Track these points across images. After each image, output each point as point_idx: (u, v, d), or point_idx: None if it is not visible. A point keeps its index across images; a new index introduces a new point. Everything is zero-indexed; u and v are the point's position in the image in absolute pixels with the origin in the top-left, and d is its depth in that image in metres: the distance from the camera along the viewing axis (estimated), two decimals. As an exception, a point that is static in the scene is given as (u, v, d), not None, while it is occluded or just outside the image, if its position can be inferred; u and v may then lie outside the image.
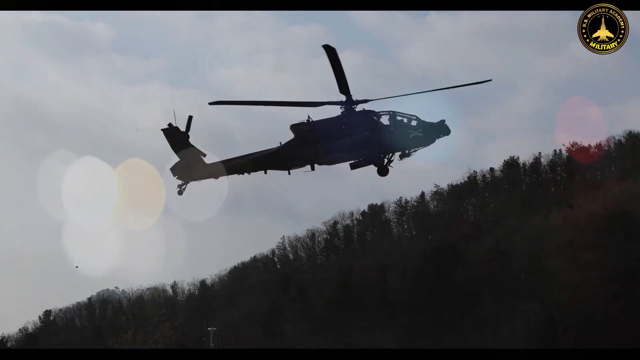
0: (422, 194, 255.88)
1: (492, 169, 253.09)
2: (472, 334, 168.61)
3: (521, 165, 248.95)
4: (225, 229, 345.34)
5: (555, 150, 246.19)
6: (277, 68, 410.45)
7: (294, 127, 54.00)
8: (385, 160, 54.24)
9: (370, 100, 53.25)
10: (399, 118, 53.03)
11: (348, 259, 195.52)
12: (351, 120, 52.92)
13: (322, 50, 50.18)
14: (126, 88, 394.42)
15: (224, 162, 58.85)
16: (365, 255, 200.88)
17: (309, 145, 53.61)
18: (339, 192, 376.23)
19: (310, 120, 53.71)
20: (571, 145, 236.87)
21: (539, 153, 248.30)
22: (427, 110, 53.66)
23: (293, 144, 54.48)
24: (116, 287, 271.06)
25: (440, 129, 53.13)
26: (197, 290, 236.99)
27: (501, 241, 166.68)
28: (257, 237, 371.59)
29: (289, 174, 57.41)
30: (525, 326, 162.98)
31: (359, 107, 53.71)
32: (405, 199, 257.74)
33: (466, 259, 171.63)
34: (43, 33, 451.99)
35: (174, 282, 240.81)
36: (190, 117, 57.30)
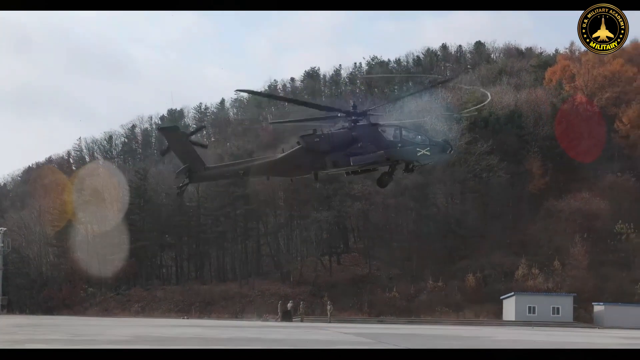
0: (222, 100, 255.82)
1: (292, 79, 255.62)
2: (265, 239, 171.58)
3: (321, 76, 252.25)
4: (20, 129, 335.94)
5: (355, 63, 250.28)
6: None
7: (303, 138, 53.33)
8: (387, 173, 54.57)
9: (370, 110, 53.82)
10: (405, 133, 53.43)
11: (145, 163, 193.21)
12: (359, 133, 52.88)
13: None
14: None
15: (225, 166, 61.08)
16: (162, 159, 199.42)
17: (317, 156, 53.08)
18: (138, 95, 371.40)
19: (321, 132, 53.43)
20: (371, 59, 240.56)
21: (340, 65, 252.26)
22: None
23: (300, 153, 53.79)
24: None
25: (444, 147, 54.01)
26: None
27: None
28: (53, 139, 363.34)
29: (292, 181, 62.51)
30: (318, 234, 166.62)
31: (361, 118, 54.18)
32: (205, 105, 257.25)
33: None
34: None
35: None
36: (202, 127, 55.32)
